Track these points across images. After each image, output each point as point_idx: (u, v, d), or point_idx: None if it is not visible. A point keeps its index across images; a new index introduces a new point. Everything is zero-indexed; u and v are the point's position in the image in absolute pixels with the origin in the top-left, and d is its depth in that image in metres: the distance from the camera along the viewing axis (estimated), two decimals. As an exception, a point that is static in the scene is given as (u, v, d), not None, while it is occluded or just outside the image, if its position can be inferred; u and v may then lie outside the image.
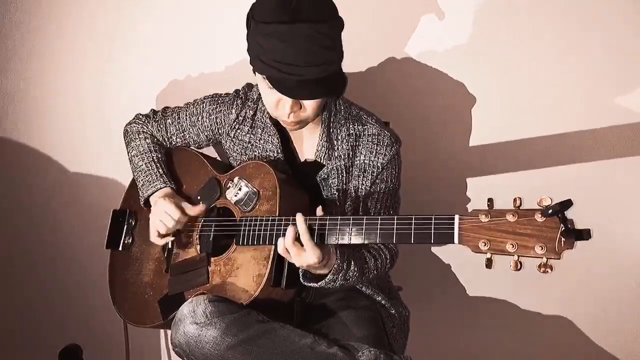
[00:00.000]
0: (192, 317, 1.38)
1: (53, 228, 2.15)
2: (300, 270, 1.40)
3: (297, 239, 1.33)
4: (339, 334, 1.47)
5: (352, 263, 1.41)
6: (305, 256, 1.32)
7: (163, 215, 1.54)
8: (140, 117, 1.73)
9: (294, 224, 1.33)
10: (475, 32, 1.79)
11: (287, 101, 1.40)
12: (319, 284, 1.39)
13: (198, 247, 1.56)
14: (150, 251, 1.66)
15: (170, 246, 1.60)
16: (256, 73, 1.43)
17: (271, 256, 1.41)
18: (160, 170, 1.64)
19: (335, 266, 1.37)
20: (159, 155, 1.68)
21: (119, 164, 1.93)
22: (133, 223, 1.73)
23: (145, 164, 1.65)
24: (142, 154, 1.67)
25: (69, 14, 1.98)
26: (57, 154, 2.11)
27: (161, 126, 1.70)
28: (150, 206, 1.61)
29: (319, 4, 1.34)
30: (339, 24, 1.38)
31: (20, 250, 2.18)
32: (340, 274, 1.39)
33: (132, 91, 2.01)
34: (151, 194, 1.62)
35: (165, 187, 1.62)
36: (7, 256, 2.18)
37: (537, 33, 1.77)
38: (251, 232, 1.44)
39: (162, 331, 2.12)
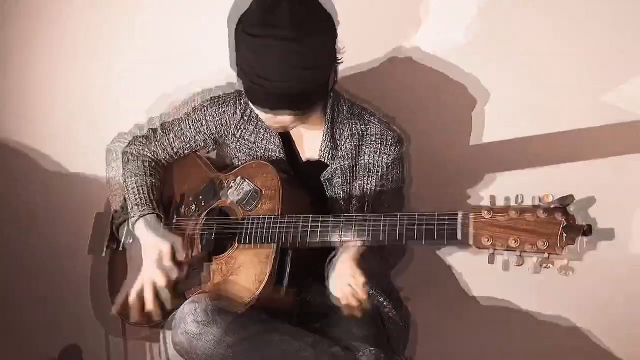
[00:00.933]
0: (194, 316, 1.37)
1: (53, 228, 2.15)
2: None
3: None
4: (340, 334, 1.46)
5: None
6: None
7: (156, 273, 1.51)
8: (140, 139, 1.70)
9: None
10: (480, 31, 1.79)
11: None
12: None
13: (199, 246, 1.56)
14: (151, 251, 1.66)
15: (170, 246, 1.60)
16: None
17: (273, 255, 1.41)
18: (151, 195, 1.61)
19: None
20: (154, 181, 1.65)
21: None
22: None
23: (139, 185, 1.62)
24: (137, 176, 1.64)
25: (68, 13, 1.98)
26: (57, 155, 2.10)
27: (165, 144, 1.68)
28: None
29: (301, 22, 1.31)
30: (320, 43, 1.36)
31: (19, 250, 2.18)
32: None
33: (130, 92, 2.00)
34: (138, 219, 1.58)
35: (152, 213, 1.58)
36: (7, 256, 2.18)
37: (542, 31, 1.77)
38: (253, 231, 1.45)
39: (161, 331, 2.11)
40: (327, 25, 1.38)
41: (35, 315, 2.20)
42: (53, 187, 2.12)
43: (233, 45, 1.43)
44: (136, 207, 1.59)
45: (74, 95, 2.04)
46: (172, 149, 1.68)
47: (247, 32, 1.34)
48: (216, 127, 1.63)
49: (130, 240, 1.71)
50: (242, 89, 1.53)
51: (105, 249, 1.71)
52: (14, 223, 2.17)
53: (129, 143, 1.71)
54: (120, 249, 1.72)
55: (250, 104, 1.47)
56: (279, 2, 1.31)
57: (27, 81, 2.05)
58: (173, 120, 1.69)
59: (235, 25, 1.41)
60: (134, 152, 1.68)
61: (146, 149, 1.68)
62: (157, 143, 1.68)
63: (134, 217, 1.58)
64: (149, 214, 1.58)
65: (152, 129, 1.71)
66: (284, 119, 1.45)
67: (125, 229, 1.71)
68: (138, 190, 1.61)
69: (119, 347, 1.81)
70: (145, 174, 1.64)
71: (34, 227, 2.16)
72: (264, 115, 1.46)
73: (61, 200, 2.13)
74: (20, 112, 2.08)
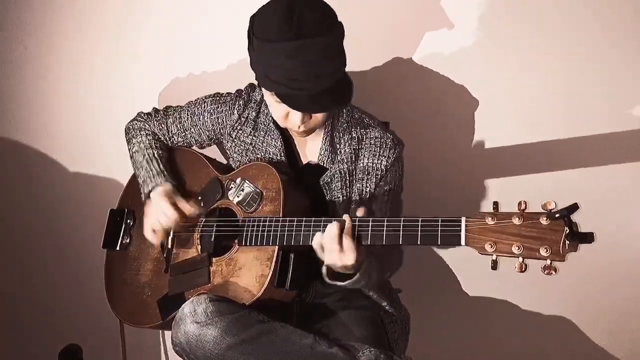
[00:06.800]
0: (193, 317, 1.38)
1: (52, 228, 2.15)
2: (323, 267, 1.40)
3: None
4: (339, 334, 1.47)
5: (375, 261, 1.42)
6: (344, 257, 1.32)
7: (158, 213, 1.54)
8: (142, 115, 1.73)
9: (338, 221, 1.33)
10: (480, 34, 1.79)
11: (297, 113, 1.41)
12: (346, 283, 1.39)
13: (199, 247, 1.56)
14: (149, 251, 1.66)
15: (169, 246, 1.60)
16: (262, 88, 1.45)
17: (274, 257, 1.41)
18: (161, 166, 1.63)
19: (364, 266, 1.37)
20: (160, 152, 1.67)
21: (117, 163, 1.92)
22: (131, 222, 1.72)
23: (146, 160, 1.64)
24: (143, 150, 1.66)
25: (71, 12, 1.98)
26: (55, 154, 2.11)
27: (162, 125, 1.69)
28: None
29: (320, 15, 1.34)
30: (341, 31, 1.38)
31: (19, 250, 2.18)
32: (366, 275, 1.39)
33: (133, 90, 2.01)
34: (151, 190, 1.60)
35: (165, 182, 1.60)
36: (6, 256, 2.18)
37: (543, 35, 1.77)
38: (254, 233, 1.45)
39: (160, 331, 2.12)
40: (335, 15, 1.39)
41: (36, 315, 2.20)
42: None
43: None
44: (149, 179, 1.61)
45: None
46: (169, 132, 1.69)
47: (272, 39, 1.31)
48: (212, 125, 1.64)
49: (128, 240, 1.71)
50: (260, 88, 1.56)
51: (119, 243, 1.72)
52: (19, 222, 2.17)
53: (132, 119, 1.75)
54: (118, 248, 1.71)
55: (285, 109, 1.42)
56: (293, 4, 1.31)
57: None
58: (175, 107, 1.71)
59: (249, 38, 1.40)
60: (136, 126, 1.71)
61: (146, 125, 1.71)
62: (156, 122, 1.70)
63: (147, 189, 1.60)
64: (160, 184, 1.59)
65: (155, 108, 1.74)
66: (318, 119, 1.45)
67: (123, 227, 1.72)
68: (147, 162, 1.63)
69: (119, 347, 1.81)
70: (151, 147, 1.67)
71: (33, 227, 2.16)
72: (297, 120, 1.42)
73: (61, 200, 2.13)
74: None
